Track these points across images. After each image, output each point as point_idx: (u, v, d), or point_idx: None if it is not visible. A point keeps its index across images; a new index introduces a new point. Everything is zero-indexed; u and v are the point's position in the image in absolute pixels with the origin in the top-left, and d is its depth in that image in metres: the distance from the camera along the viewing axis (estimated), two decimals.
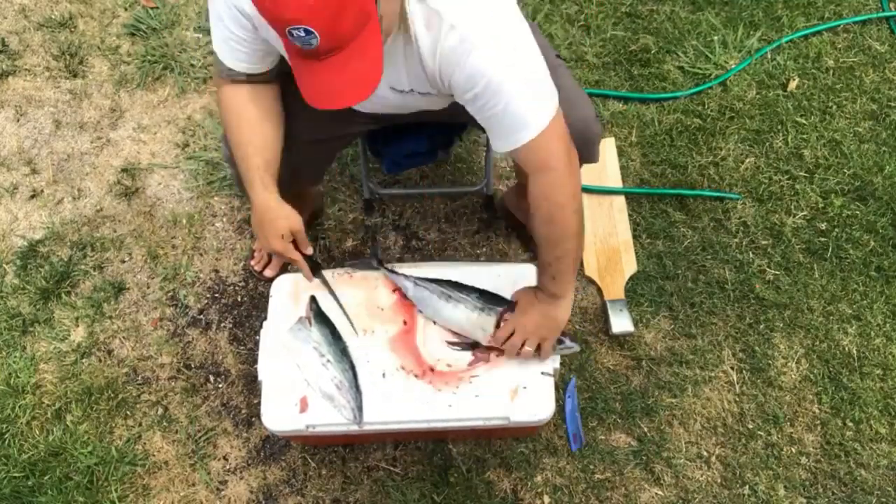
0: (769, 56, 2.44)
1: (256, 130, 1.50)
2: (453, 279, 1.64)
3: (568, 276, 1.49)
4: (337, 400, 1.58)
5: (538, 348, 1.54)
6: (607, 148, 2.27)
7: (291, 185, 1.62)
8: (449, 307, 1.60)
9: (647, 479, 1.88)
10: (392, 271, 1.69)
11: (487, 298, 1.60)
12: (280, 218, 1.52)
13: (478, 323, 1.59)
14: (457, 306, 1.60)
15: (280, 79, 1.51)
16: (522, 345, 1.53)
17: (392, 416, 1.58)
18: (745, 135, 2.32)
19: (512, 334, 1.53)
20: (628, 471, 1.89)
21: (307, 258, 1.61)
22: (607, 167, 2.25)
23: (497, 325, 1.56)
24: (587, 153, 1.65)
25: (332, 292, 1.67)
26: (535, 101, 1.34)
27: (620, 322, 2.02)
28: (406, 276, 1.66)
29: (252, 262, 2.14)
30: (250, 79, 1.47)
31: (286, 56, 1.21)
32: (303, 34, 1.07)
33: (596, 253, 2.14)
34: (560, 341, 1.57)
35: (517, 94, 1.30)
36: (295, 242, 1.56)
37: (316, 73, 1.15)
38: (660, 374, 1.99)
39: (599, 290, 2.10)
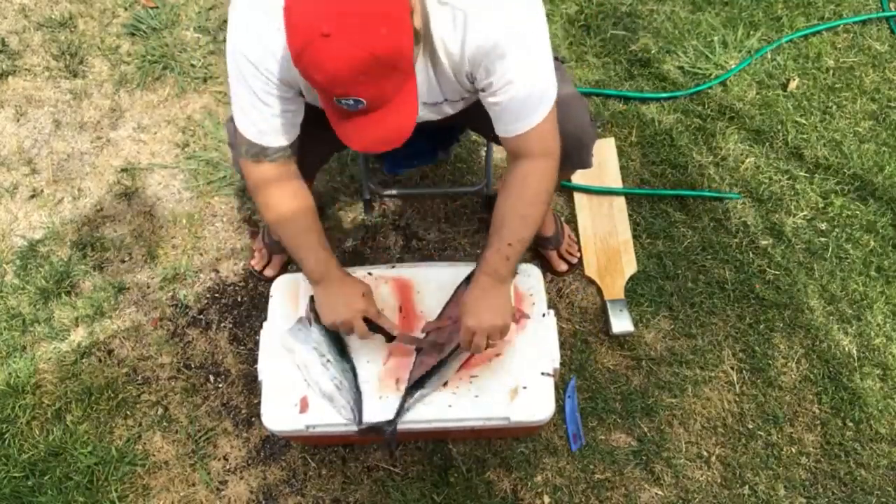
0: (769, 56, 2.44)
1: (296, 205, 1.51)
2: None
3: (517, 260, 1.52)
4: (337, 400, 1.58)
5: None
6: (607, 148, 2.27)
7: None
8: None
9: (647, 479, 1.88)
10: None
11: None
12: (357, 296, 1.54)
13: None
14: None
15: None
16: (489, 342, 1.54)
17: (392, 417, 1.58)
18: (745, 135, 2.32)
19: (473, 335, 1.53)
20: (628, 471, 1.89)
21: (379, 328, 1.59)
22: (607, 167, 2.25)
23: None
24: (581, 159, 1.67)
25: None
26: (547, 85, 1.39)
27: (620, 322, 2.02)
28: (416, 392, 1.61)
29: (252, 262, 2.14)
30: (277, 157, 1.47)
31: (323, 108, 1.25)
32: (351, 102, 1.16)
33: (596, 253, 2.14)
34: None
35: (534, 79, 1.36)
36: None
37: (359, 127, 1.22)
38: (660, 374, 1.99)
39: (599, 290, 2.10)
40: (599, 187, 2.22)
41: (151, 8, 2.57)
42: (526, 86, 1.36)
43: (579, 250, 2.14)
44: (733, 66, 2.41)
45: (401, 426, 1.60)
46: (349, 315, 1.52)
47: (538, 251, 2.13)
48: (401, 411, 1.57)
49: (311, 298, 1.67)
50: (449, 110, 1.52)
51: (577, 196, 2.23)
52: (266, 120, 1.41)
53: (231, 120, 1.63)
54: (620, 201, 2.21)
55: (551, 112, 1.41)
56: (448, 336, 1.60)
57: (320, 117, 1.50)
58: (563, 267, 2.12)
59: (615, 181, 2.23)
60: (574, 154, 1.63)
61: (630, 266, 2.11)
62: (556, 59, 1.63)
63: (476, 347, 1.51)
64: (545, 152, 1.45)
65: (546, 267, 2.11)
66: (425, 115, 1.52)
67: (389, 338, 1.60)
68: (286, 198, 1.51)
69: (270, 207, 1.52)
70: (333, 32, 1.08)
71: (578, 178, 2.22)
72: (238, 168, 1.65)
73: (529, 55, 1.35)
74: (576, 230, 2.19)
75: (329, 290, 1.55)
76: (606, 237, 2.16)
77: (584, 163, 1.69)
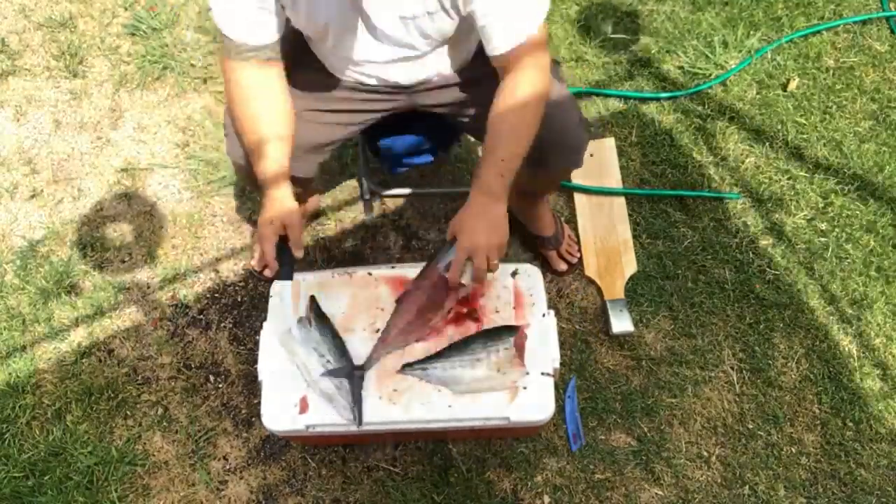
0: (769, 56, 2.44)
1: (268, 104, 1.50)
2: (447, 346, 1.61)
3: (511, 177, 1.46)
4: (337, 400, 1.58)
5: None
6: (607, 148, 2.28)
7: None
8: (468, 371, 1.57)
9: (647, 479, 1.89)
10: (406, 365, 1.61)
11: (491, 337, 1.59)
12: (281, 202, 1.49)
13: (504, 362, 1.57)
14: (475, 366, 1.57)
15: (285, 60, 1.52)
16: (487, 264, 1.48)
17: (392, 417, 1.58)
18: (745, 135, 2.32)
19: (469, 259, 1.47)
20: (628, 471, 1.89)
21: (287, 259, 1.50)
22: (607, 167, 2.25)
23: (518, 350, 1.56)
24: (567, 158, 1.66)
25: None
26: None
27: (620, 322, 2.02)
28: (416, 367, 1.60)
29: (252, 262, 2.14)
30: (258, 55, 1.46)
31: None
32: None
33: (596, 253, 2.14)
34: (515, 272, 1.58)
35: None
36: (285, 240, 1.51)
37: None
38: (660, 374, 1.99)
39: (599, 290, 2.10)
40: (599, 187, 2.22)
41: (153, 11, 2.57)
42: None
43: (579, 250, 2.14)
44: (733, 66, 2.40)
45: (401, 426, 1.60)
46: (260, 232, 1.49)
47: (538, 251, 2.13)
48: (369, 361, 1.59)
49: (312, 298, 1.67)
50: (431, 30, 1.46)
51: (577, 196, 2.23)
52: (228, 10, 1.41)
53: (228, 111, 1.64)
54: (620, 201, 2.21)
55: (544, 24, 1.40)
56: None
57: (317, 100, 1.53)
58: (563, 267, 2.12)
59: (615, 181, 2.23)
60: (561, 155, 1.63)
61: (630, 266, 2.11)
62: (552, 60, 1.64)
63: (478, 270, 1.46)
64: (536, 65, 1.42)
65: (546, 267, 2.11)
66: (416, 32, 1.47)
67: (289, 271, 1.54)
68: (255, 100, 1.49)
69: (237, 107, 1.50)
70: None
71: (579, 178, 2.22)
72: (232, 157, 1.66)
73: None
74: (576, 230, 2.19)
75: (265, 201, 1.51)
76: (606, 237, 2.16)
77: (571, 163, 1.67)
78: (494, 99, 1.45)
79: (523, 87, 1.43)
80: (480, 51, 1.50)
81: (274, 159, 1.49)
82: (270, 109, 1.50)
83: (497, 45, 1.41)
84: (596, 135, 2.32)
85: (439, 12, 1.42)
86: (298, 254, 1.49)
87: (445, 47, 1.55)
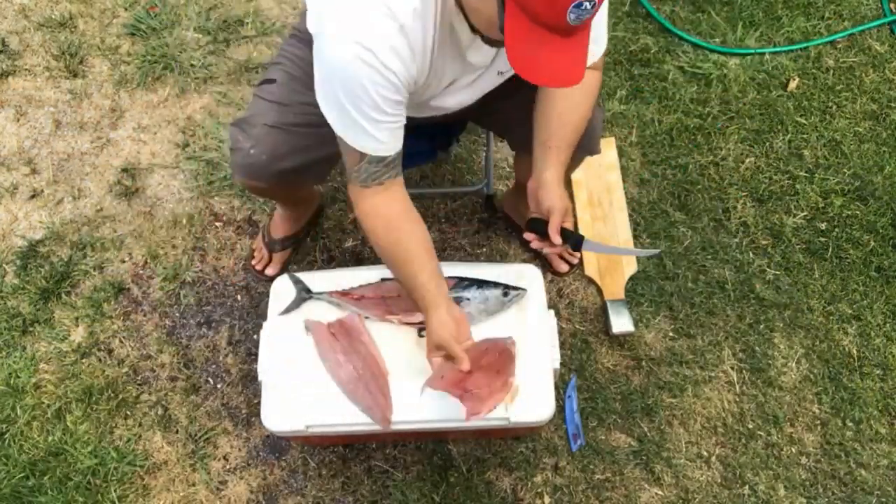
0: (769, 57, 2.44)
1: (410, 233, 1.44)
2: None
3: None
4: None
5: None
6: (607, 148, 2.28)
7: (296, 185, 1.62)
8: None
9: (647, 479, 1.89)
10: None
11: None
12: (444, 325, 1.44)
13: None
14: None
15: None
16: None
17: (391, 417, 1.58)
18: (745, 135, 2.32)
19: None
20: (628, 471, 1.89)
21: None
22: (607, 167, 2.25)
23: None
24: (587, 147, 1.65)
25: None
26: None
27: (620, 322, 2.02)
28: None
29: (252, 262, 2.14)
30: (380, 179, 1.38)
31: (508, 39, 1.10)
32: (589, 6, 1.02)
33: (596, 253, 2.14)
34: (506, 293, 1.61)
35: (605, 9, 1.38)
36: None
37: (562, 50, 1.09)
38: (660, 374, 1.99)
39: (599, 290, 2.10)
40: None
41: (154, 11, 2.57)
42: (605, 8, 1.36)
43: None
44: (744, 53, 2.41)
45: (401, 426, 1.59)
46: (429, 358, 1.48)
47: (539, 251, 2.12)
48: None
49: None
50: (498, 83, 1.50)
51: (578, 196, 2.23)
52: (387, 130, 1.32)
53: (234, 125, 1.61)
54: (621, 201, 2.21)
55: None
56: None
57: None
58: (564, 267, 2.12)
59: (616, 181, 2.23)
60: (582, 146, 1.62)
61: (630, 266, 2.11)
62: None
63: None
64: (602, 65, 1.51)
65: (546, 267, 2.11)
66: (487, 83, 1.48)
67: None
68: (398, 233, 1.43)
69: (400, 242, 1.43)
70: None
71: (579, 173, 2.22)
72: (237, 173, 1.63)
73: None
74: (576, 230, 2.18)
75: (429, 323, 1.47)
76: (607, 237, 2.16)
77: (590, 150, 1.68)
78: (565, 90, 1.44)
79: (597, 86, 1.51)
80: None
81: (430, 287, 1.44)
82: (413, 239, 1.44)
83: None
84: None
85: None
86: (464, 366, 1.44)
87: None
